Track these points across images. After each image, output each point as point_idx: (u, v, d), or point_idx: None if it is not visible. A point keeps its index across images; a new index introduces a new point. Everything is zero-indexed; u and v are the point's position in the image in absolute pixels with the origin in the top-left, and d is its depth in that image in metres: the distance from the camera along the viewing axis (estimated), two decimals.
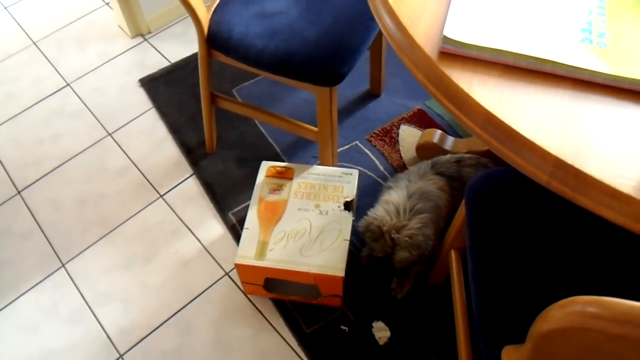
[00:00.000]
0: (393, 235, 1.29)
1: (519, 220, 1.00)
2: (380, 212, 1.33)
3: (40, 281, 1.53)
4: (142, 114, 1.87)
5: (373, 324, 1.40)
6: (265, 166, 1.49)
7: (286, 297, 1.43)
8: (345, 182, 1.45)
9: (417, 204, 1.32)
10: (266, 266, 1.31)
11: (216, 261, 1.54)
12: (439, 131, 1.64)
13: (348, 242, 1.34)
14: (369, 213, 1.35)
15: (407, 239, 1.27)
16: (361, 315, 1.41)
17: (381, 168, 1.68)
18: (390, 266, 1.36)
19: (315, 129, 1.48)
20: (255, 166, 1.70)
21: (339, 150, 1.72)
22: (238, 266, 1.33)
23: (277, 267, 1.30)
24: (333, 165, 1.55)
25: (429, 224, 1.31)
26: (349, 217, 1.38)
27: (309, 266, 1.30)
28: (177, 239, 1.59)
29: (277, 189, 1.44)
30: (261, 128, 1.79)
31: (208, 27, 1.37)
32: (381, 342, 1.38)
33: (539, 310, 0.88)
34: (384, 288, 1.45)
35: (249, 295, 1.47)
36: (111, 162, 1.76)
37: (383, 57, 1.72)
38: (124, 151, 1.78)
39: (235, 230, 1.58)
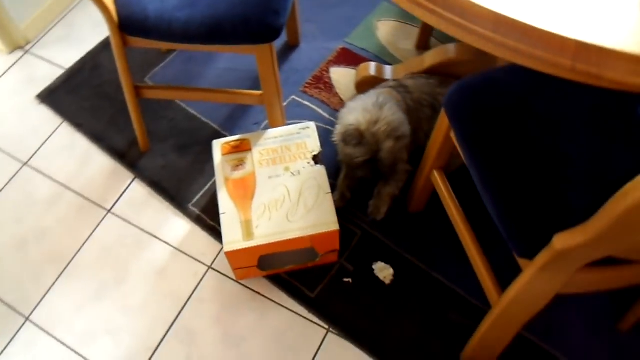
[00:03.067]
0: (373, 130, 1.27)
1: (507, 121, 1.02)
2: (351, 117, 1.30)
3: (7, 344, 1.35)
4: (54, 132, 1.66)
5: (373, 267, 1.40)
6: (218, 145, 1.39)
7: (281, 270, 1.38)
8: (305, 137, 1.40)
9: (379, 99, 1.31)
10: (258, 244, 1.25)
11: (194, 258, 1.45)
12: (374, 63, 1.62)
13: (330, 195, 1.30)
14: (340, 123, 1.33)
15: (386, 127, 1.26)
16: (359, 263, 1.41)
17: (326, 115, 1.64)
18: (374, 173, 1.35)
19: (259, 92, 1.40)
20: (197, 150, 1.59)
21: None
22: (228, 254, 1.26)
23: (270, 242, 1.25)
24: (283, 125, 1.48)
25: (398, 110, 1.31)
26: (322, 170, 1.34)
27: (301, 230, 1.26)
28: (143, 249, 1.46)
29: (239, 164, 1.36)
30: (190, 110, 1.67)
31: (116, 12, 1.22)
32: (387, 282, 1.38)
33: (561, 196, 0.92)
34: (371, 230, 1.45)
35: (241, 281, 1.40)
36: (39, 192, 1.56)
37: (296, 4, 1.65)
38: (48, 177, 1.59)
39: (202, 220, 1.49)
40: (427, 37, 1.73)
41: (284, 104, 1.66)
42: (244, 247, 1.24)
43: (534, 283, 0.94)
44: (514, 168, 0.97)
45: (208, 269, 1.43)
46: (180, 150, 1.60)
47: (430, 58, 1.52)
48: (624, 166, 0.96)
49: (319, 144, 1.38)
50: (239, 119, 1.65)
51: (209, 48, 1.25)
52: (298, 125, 1.42)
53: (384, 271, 1.40)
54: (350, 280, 1.39)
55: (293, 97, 1.68)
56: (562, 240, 0.80)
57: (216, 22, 1.18)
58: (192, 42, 1.22)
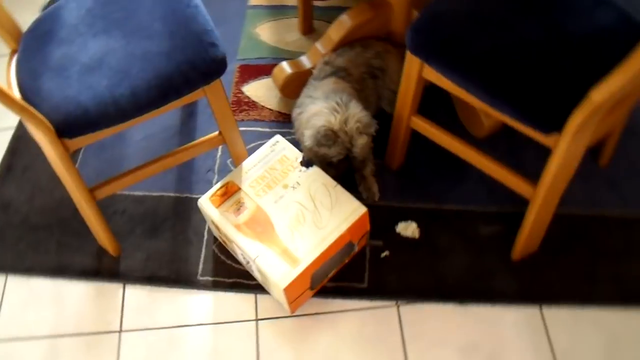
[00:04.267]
0: (345, 129, 1.29)
1: (472, 33, 1.12)
2: (321, 120, 1.31)
3: None
4: (3, 293, 1.43)
5: (398, 231, 1.44)
6: (207, 201, 1.32)
7: (326, 280, 1.36)
8: (281, 150, 1.38)
9: (342, 98, 1.35)
10: (307, 264, 1.22)
11: (237, 321, 1.36)
12: (285, 62, 1.64)
13: (339, 185, 1.31)
14: (304, 126, 1.33)
15: (357, 124, 1.30)
16: (384, 235, 1.44)
17: (268, 130, 1.63)
18: (348, 170, 1.39)
19: (215, 133, 1.35)
20: (170, 225, 1.48)
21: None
22: (286, 289, 1.21)
23: (316, 256, 1.23)
24: (247, 155, 1.44)
25: (359, 104, 1.36)
26: (315, 169, 1.34)
27: (337, 229, 1.25)
28: (181, 345, 1.33)
29: (239, 206, 1.30)
30: (135, 193, 1.54)
31: (48, 120, 1.08)
32: (417, 235, 1.44)
33: (557, 70, 1.03)
34: (374, 204, 1.48)
35: (294, 315, 1.35)
36: None
37: None
38: (28, 338, 1.36)
39: (220, 283, 1.39)
40: (309, 21, 1.79)
41: None
42: (297, 274, 1.21)
43: (571, 149, 1.06)
44: (505, 67, 1.08)
45: (256, 322, 1.36)
46: (153, 234, 1.47)
47: (335, 34, 1.58)
48: (574, 30, 1.12)
49: (297, 151, 1.37)
50: (189, 176, 1.57)
51: (159, 111, 1.17)
52: (267, 144, 1.39)
53: (408, 229, 1.45)
54: (387, 252, 1.41)
55: None
56: (600, 93, 0.92)
57: (163, 79, 1.11)
58: (144, 111, 1.14)
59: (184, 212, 1.50)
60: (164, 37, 1.15)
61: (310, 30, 1.81)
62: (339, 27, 1.57)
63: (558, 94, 1.04)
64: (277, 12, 1.88)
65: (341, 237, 1.25)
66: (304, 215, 1.28)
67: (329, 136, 1.29)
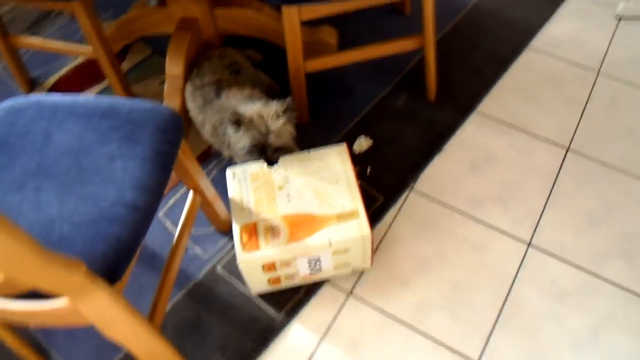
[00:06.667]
0: (261, 113, 1.33)
1: None
2: (245, 131, 1.33)
3: None
4: None
5: (357, 152, 1.59)
6: (246, 256, 1.24)
7: None
8: (243, 173, 1.36)
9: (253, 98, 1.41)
10: (362, 206, 1.29)
11: (333, 320, 1.36)
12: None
13: (312, 150, 1.38)
14: (238, 142, 1.36)
15: (274, 109, 1.34)
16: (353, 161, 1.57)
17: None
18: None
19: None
20: (213, 312, 1.35)
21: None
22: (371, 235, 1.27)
23: (359, 197, 1.30)
24: (226, 218, 1.37)
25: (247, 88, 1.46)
26: (282, 160, 1.37)
27: (346, 170, 1.34)
28: None
29: (272, 231, 1.27)
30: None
31: None
32: (371, 142, 1.61)
33: None
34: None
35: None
36: None
37: None
38: None
39: (291, 310, 1.36)
40: (126, 85, 1.69)
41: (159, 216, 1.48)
42: (366, 218, 1.26)
43: None
44: None
45: (348, 295, 1.38)
46: (203, 329, 1.33)
47: (174, 69, 1.56)
48: None
49: (257, 164, 1.37)
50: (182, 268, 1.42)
51: None
52: (229, 181, 1.35)
53: (362, 144, 1.61)
54: (369, 168, 1.57)
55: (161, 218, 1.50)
56: None
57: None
58: None
59: (218, 289, 1.39)
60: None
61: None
62: (174, 62, 1.55)
63: None
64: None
65: (354, 172, 1.34)
66: (317, 186, 1.31)
67: (236, 118, 1.31)
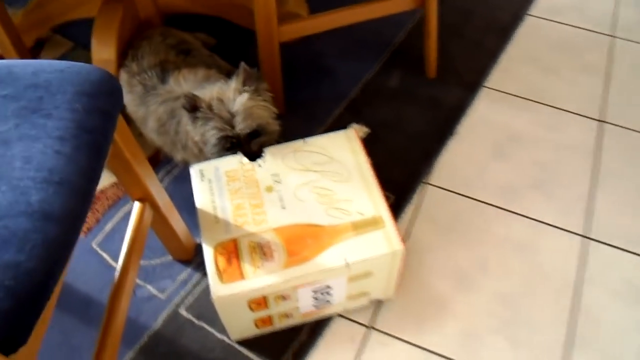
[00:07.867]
0: (223, 98, 0.98)
1: None
2: (203, 123, 0.98)
3: None
4: None
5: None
6: (225, 289, 0.86)
7: None
8: (216, 171, 0.99)
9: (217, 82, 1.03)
10: (387, 210, 0.94)
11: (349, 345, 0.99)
12: None
13: (307, 139, 1.02)
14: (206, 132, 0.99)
15: (235, 85, 0.99)
16: None
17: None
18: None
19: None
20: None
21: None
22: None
23: (381, 197, 0.95)
24: (188, 240, 0.99)
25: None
26: (267, 152, 1.01)
27: (359, 161, 0.99)
28: None
29: (262, 252, 0.89)
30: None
31: None
32: (366, 129, 1.27)
33: None
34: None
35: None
36: None
37: None
38: None
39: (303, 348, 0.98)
40: None
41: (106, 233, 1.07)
42: (394, 227, 0.92)
43: None
44: None
45: (369, 330, 1.02)
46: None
47: (106, 52, 1.17)
48: None
49: (230, 158, 1.00)
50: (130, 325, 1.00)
51: None
52: (194, 181, 0.97)
53: (360, 131, 1.27)
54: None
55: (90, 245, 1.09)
56: None
57: None
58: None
59: (185, 340, 0.97)
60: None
61: None
62: (102, 43, 1.17)
63: None
64: None
65: (369, 164, 1.00)
66: (320, 185, 0.96)
67: (190, 101, 0.95)
